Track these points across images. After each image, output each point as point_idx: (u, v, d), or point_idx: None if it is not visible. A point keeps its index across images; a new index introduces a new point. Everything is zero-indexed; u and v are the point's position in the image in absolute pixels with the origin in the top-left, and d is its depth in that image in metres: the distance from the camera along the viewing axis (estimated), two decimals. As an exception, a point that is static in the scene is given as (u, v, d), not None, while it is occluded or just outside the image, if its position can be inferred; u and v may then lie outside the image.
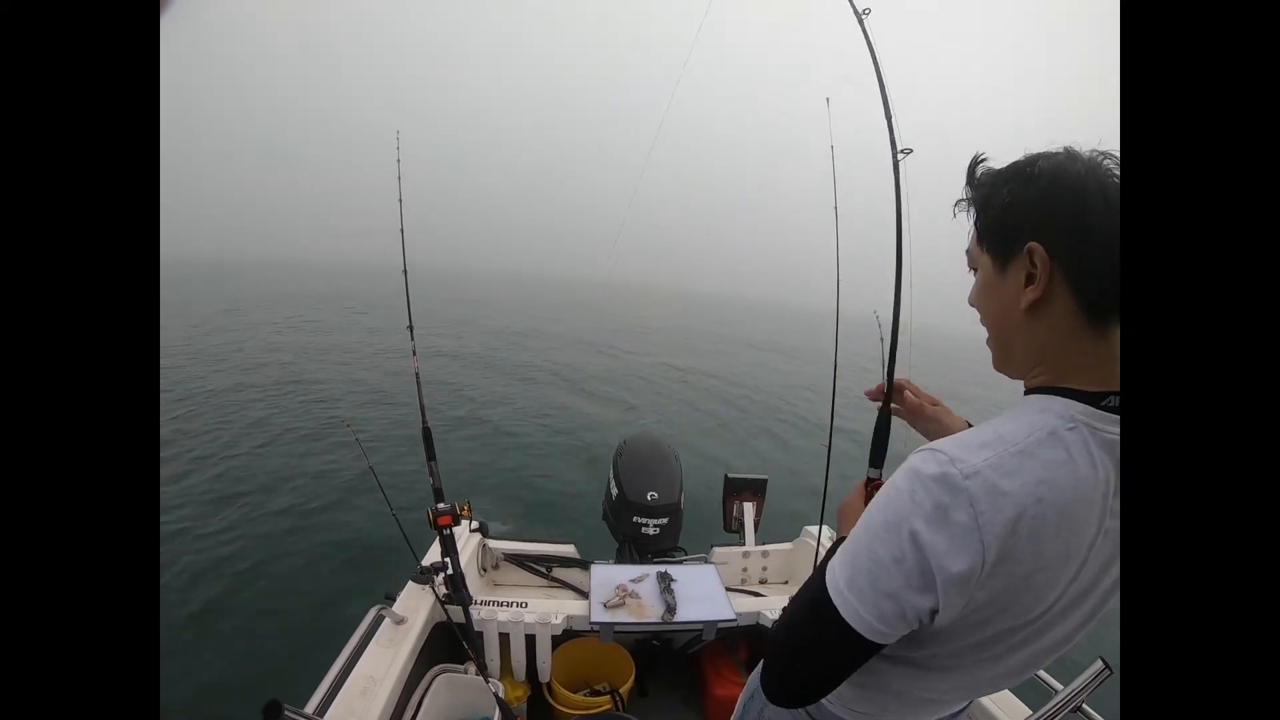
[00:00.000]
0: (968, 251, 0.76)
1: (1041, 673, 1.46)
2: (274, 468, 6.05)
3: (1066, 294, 0.64)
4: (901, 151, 1.24)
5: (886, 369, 1.12)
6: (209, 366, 10.46)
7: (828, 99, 1.67)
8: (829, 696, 0.79)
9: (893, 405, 1.08)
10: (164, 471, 5.68)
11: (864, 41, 1.30)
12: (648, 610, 1.94)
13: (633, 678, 2.05)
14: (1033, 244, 0.63)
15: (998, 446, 0.60)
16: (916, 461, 0.63)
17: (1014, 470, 0.58)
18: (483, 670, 1.74)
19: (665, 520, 2.32)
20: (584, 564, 2.29)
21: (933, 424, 1.03)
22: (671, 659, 2.26)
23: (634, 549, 2.34)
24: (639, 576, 2.07)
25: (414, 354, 2.13)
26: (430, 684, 1.75)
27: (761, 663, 0.80)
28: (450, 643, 1.86)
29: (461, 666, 1.84)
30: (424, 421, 2.03)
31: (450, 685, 1.78)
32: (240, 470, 5.90)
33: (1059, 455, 0.60)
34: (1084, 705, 1.26)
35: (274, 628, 3.55)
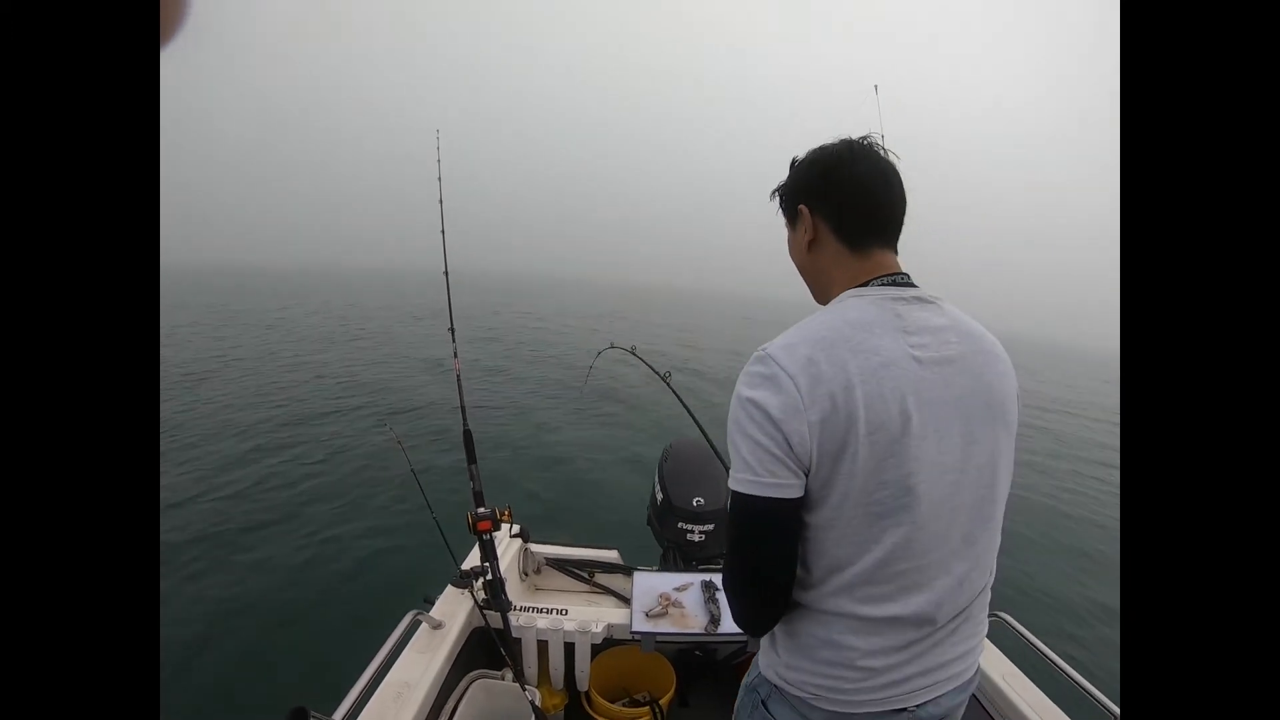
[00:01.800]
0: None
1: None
2: (312, 468, 6.16)
3: (829, 233, 0.90)
4: None
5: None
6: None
7: (875, 86, 1.58)
8: (802, 684, 0.89)
9: None
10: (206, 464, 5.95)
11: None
12: (691, 620, 1.87)
13: (673, 688, 1.98)
14: (800, 205, 0.93)
15: (788, 331, 0.84)
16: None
17: (797, 333, 0.83)
18: (520, 677, 1.71)
19: (711, 527, 2.24)
20: (627, 570, 2.24)
21: None
22: (714, 670, 2.18)
23: (678, 556, 2.28)
24: (683, 585, 2.00)
25: (455, 356, 2.13)
26: (466, 690, 1.73)
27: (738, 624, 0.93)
28: (488, 648, 1.84)
29: (499, 673, 1.82)
30: (465, 424, 2.02)
31: (487, 692, 1.76)
32: (275, 471, 5.99)
33: (830, 315, 0.84)
34: None
35: (306, 631, 3.51)
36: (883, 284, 0.86)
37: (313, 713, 1.02)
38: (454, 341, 2.14)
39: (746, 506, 0.81)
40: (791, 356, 0.79)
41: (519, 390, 10.35)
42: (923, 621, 0.84)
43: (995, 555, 0.91)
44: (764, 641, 0.97)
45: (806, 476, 0.80)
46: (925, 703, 0.88)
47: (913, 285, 0.87)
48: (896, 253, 0.91)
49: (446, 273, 2.15)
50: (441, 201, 2.12)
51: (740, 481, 0.81)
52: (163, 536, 4.42)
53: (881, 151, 0.90)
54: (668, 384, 2.47)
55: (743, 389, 0.82)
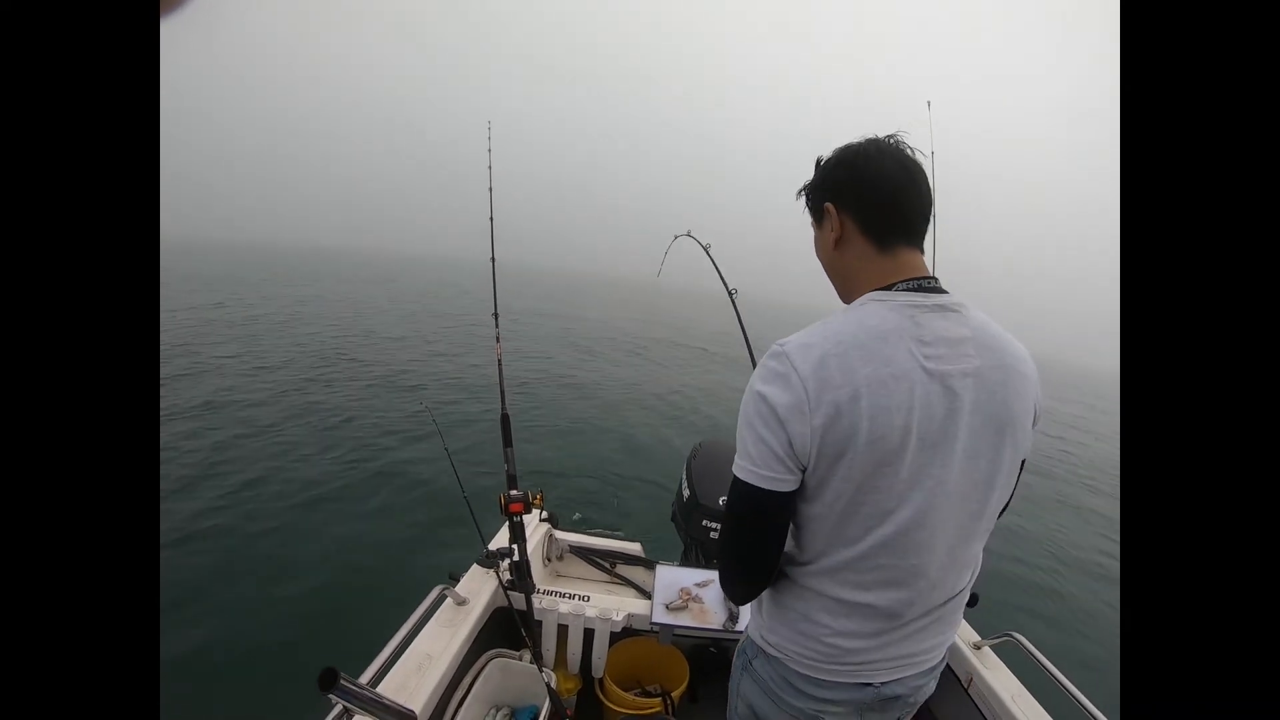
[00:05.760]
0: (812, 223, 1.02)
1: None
2: (347, 443, 6.33)
3: (856, 231, 0.91)
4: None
5: None
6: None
7: (929, 102, 1.57)
8: (779, 646, 0.99)
9: None
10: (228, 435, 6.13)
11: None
12: (710, 616, 1.91)
13: (685, 682, 2.01)
14: (826, 204, 0.94)
15: (809, 328, 0.87)
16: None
17: (817, 332, 0.85)
18: (538, 659, 1.75)
19: (735, 526, 2.25)
20: (649, 563, 2.26)
21: None
22: (727, 667, 2.20)
23: (700, 553, 2.30)
24: (704, 581, 2.03)
25: (498, 340, 2.17)
26: (484, 667, 1.77)
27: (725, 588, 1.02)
28: (508, 628, 1.88)
29: (517, 653, 1.86)
30: (503, 408, 2.05)
31: (504, 670, 1.80)
32: (300, 446, 6.12)
33: (850, 318, 0.86)
34: None
35: (334, 599, 3.62)
36: (907, 288, 0.87)
37: (342, 674, 1.07)
38: (497, 326, 2.18)
39: (745, 493, 0.87)
40: (805, 357, 0.82)
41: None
42: (892, 615, 0.91)
43: (977, 566, 0.97)
44: (752, 607, 1.08)
45: (804, 473, 0.85)
46: (890, 681, 0.97)
47: (939, 290, 0.88)
48: (923, 252, 0.92)
49: (494, 259, 2.18)
50: (491, 190, 2.15)
51: (742, 469, 0.87)
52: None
53: (908, 150, 0.91)
54: (732, 300, 2.30)
55: (756, 381, 0.86)
